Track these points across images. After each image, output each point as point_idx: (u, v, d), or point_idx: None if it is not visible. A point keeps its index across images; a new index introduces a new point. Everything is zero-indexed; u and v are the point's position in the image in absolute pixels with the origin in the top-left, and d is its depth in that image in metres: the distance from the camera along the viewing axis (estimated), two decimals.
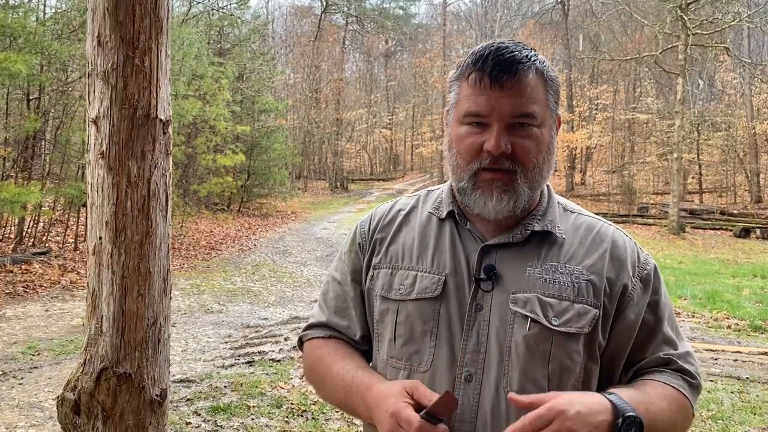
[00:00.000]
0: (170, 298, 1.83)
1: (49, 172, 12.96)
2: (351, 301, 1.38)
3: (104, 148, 1.68)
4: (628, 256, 1.27)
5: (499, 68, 1.18)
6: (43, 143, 12.88)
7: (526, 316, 1.19)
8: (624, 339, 1.24)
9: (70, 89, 12.38)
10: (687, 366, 1.25)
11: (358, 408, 1.24)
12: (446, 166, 1.33)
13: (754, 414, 5.19)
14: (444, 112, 1.32)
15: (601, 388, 1.24)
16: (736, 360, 6.83)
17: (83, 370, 1.73)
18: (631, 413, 1.05)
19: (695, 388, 1.25)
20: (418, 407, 1.10)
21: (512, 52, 1.20)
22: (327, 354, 1.36)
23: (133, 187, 1.69)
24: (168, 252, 1.79)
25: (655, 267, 1.30)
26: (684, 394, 1.22)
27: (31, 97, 11.88)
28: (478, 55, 1.21)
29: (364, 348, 1.38)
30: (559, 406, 1.02)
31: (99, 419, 1.72)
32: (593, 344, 1.21)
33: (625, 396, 1.10)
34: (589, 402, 1.05)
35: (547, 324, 1.18)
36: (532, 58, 1.21)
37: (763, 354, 7.16)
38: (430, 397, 1.10)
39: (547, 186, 1.33)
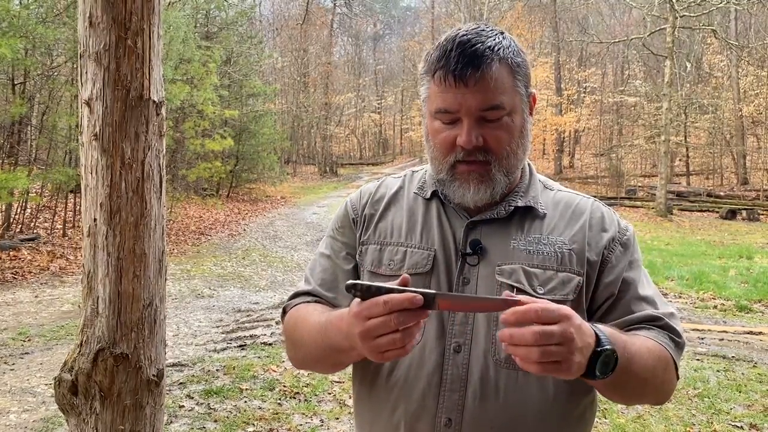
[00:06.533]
0: (165, 280, 1.84)
1: (36, 157, 12.85)
2: (341, 274, 1.38)
3: (97, 129, 1.68)
4: (607, 223, 1.31)
5: (461, 65, 1.18)
6: (29, 128, 12.75)
7: (512, 286, 1.22)
8: (605, 297, 1.27)
9: (55, 73, 12.24)
10: (673, 324, 1.27)
11: (336, 339, 1.19)
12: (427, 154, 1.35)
13: (740, 392, 5.29)
14: (421, 103, 1.33)
15: None
16: (722, 339, 6.94)
17: (80, 351, 1.74)
18: (608, 347, 1.06)
19: (680, 347, 1.27)
20: None
21: (474, 45, 1.19)
22: (307, 311, 1.34)
23: (127, 169, 1.69)
24: (163, 233, 1.80)
25: (633, 234, 1.34)
26: (668, 351, 1.24)
27: (16, 82, 11.74)
28: (441, 50, 1.21)
29: None
30: (566, 311, 1.01)
31: (96, 399, 1.73)
32: (580, 311, 1.24)
33: (606, 332, 1.10)
34: (583, 321, 1.06)
35: (532, 293, 1.21)
36: (496, 48, 1.20)
37: (748, 333, 7.27)
38: None
39: (529, 164, 1.37)
